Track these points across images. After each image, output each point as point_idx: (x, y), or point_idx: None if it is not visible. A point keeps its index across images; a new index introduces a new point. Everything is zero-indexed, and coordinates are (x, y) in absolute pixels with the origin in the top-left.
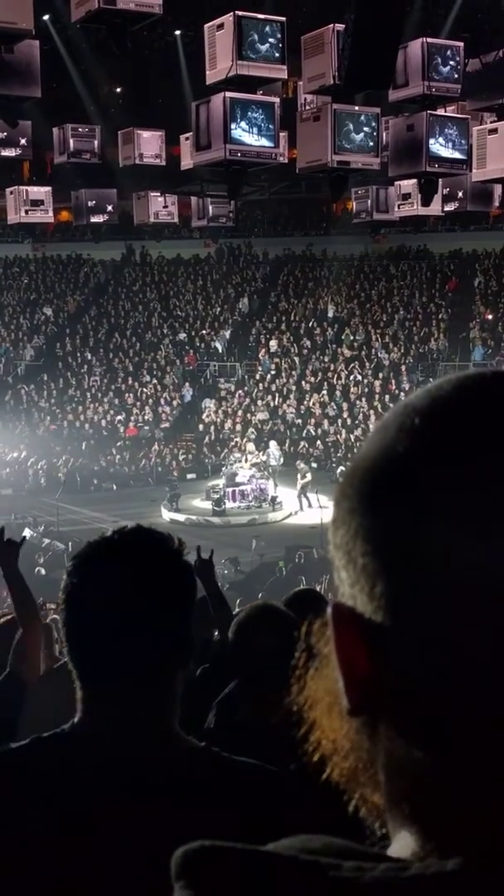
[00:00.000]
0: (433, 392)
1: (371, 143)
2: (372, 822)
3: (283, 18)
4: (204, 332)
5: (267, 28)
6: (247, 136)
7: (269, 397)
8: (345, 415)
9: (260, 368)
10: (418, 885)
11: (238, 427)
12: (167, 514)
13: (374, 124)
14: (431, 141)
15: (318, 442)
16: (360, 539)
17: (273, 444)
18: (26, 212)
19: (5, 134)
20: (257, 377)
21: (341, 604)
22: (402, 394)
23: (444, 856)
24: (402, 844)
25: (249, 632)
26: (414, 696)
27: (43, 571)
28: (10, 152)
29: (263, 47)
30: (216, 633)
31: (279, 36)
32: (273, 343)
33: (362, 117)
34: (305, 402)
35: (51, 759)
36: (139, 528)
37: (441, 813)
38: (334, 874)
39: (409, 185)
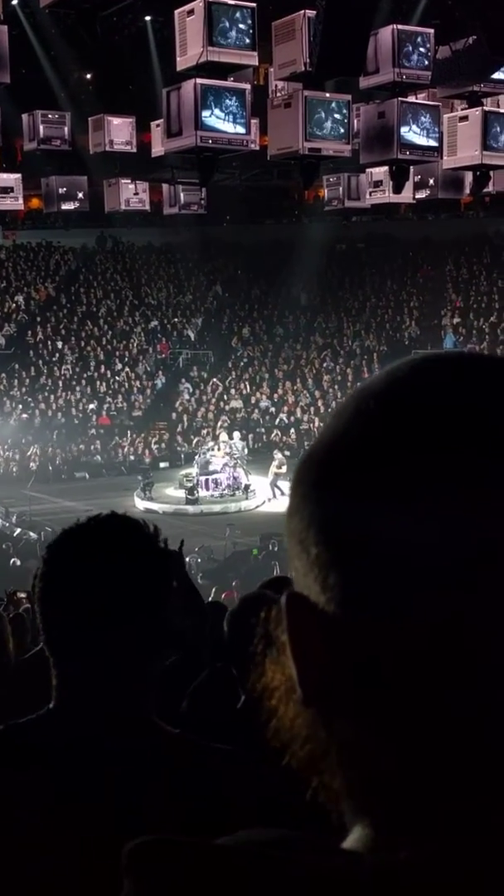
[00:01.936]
0: (390, 375)
1: (342, 131)
2: (332, 809)
3: (254, 4)
4: (176, 319)
5: (237, 14)
6: (218, 122)
7: (242, 385)
8: (318, 403)
9: (232, 356)
10: (368, 880)
11: (211, 415)
12: (141, 503)
13: (345, 111)
14: (404, 128)
15: (292, 430)
16: (313, 528)
17: (236, 435)
18: None
19: None
20: (230, 365)
21: (295, 593)
22: None
23: (395, 849)
24: (357, 836)
25: (246, 621)
26: (364, 687)
27: (18, 562)
28: None
29: (234, 33)
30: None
31: (250, 22)
32: (245, 331)
33: (333, 104)
34: (279, 390)
35: (24, 745)
36: (114, 515)
37: (392, 806)
38: (285, 868)
39: (380, 172)
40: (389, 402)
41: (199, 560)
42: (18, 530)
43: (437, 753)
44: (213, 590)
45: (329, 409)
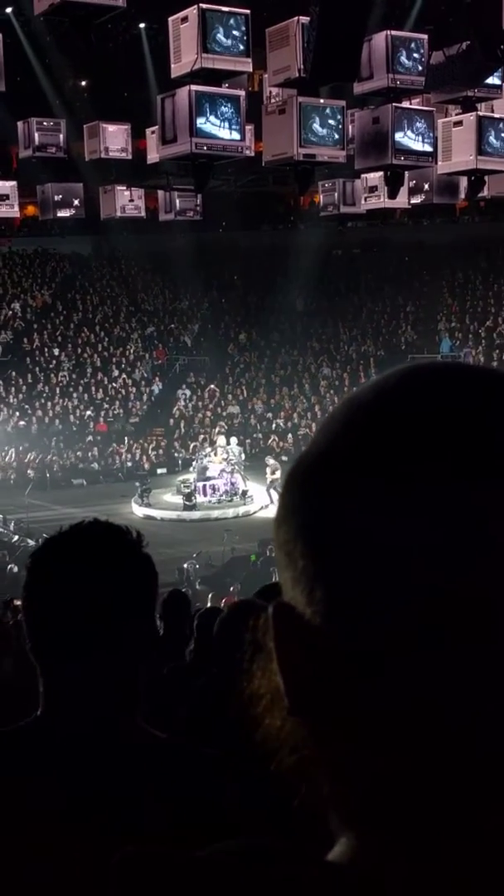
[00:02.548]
0: (377, 385)
1: (337, 136)
2: (320, 818)
3: (248, 11)
4: (172, 326)
5: (231, 21)
6: (213, 129)
7: (239, 391)
8: (315, 408)
9: (229, 362)
10: (349, 894)
11: (208, 421)
12: (139, 510)
13: (339, 117)
14: (398, 134)
15: (289, 435)
16: (300, 540)
17: (234, 440)
18: None
19: None
20: (227, 371)
21: (282, 604)
22: None
23: (379, 862)
24: (342, 848)
25: (235, 628)
26: (350, 698)
27: (15, 569)
28: None
29: (228, 40)
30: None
31: (244, 28)
32: (242, 336)
33: (328, 110)
34: (275, 396)
35: (10, 753)
36: (96, 522)
37: (377, 818)
38: (265, 880)
39: (375, 177)
40: (376, 411)
41: (197, 566)
42: (16, 537)
43: (426, 764)
44: (210, 596)
45: (326, 414)
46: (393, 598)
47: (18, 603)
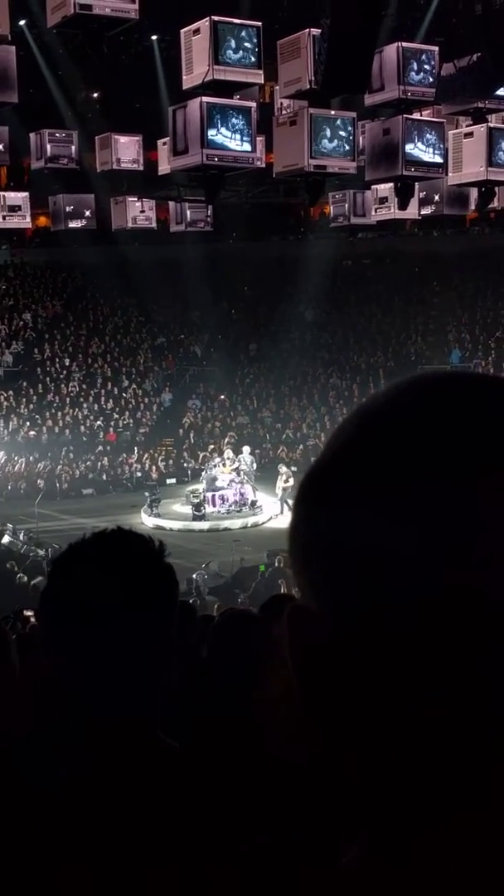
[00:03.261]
0: (389, 393)
1: (347, 148)
2: (337, 821)
3: (259, 23)
4: (182, 336)
5: (243, 33)
6: (224, 140)
7: (248, 401)
8: (324, 418)
9: (239, 372)
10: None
11: (217, 431)
12: (149, 520)
13: (350, 128)
14: (409, 145)
15: (299, 446)
16: (311, 547)
17: (246, 449)
18: (3, 217)
19: None
20: (236, 381)
21: (297, 607)
22: None
23: (391, 865)
24: (358, 850)
25: (224, 637)
26: (363, 701)
27: (25, 579)
28: None
29: (240, 52)
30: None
31: (255, 40)
32: (252, 347)
33: (339, 121)
34: (285, 406)
35: (24, 760)
36: (119, 531)
37: (392, 821)
38: (280, 879)
39: (385, 188)
40: (384, 420)
41: (206, 577)
42: (26, 547)
43: (436, 768)
44: (216, 606)
45: (335, 425)
46: (404, 600)
47: (28, 614)
